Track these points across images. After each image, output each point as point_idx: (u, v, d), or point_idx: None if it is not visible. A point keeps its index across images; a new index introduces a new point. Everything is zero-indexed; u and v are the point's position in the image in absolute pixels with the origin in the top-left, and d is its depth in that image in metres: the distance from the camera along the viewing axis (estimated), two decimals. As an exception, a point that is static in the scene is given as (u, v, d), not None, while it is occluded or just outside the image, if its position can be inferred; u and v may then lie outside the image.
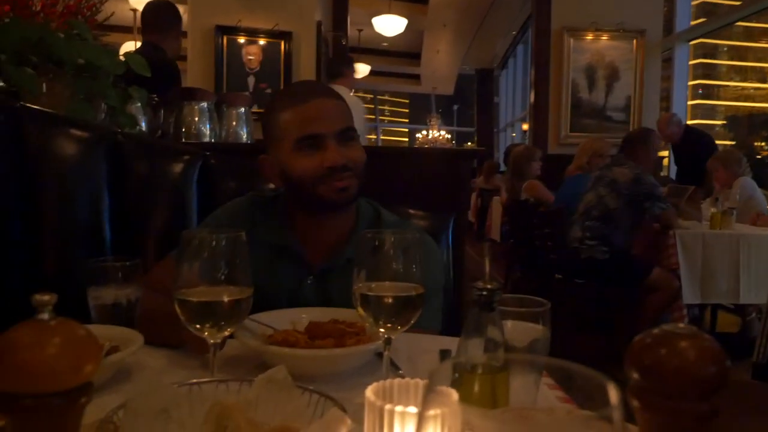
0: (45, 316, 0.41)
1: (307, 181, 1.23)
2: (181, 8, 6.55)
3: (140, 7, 6.75)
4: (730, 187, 4.32)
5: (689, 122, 7.39)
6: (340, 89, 4.86)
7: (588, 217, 3.55)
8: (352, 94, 4.49)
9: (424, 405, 0.36)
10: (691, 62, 7.57)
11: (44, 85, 1.82)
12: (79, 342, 0.42)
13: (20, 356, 0.39)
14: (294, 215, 1.32)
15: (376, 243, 0.82)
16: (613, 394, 0.30)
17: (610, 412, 0.30)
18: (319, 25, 4.72)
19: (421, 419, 0.36)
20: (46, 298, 0.42)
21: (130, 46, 7.20)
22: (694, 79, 7.92)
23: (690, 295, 3.45)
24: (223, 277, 0.78)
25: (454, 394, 0.39)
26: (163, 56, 2.92)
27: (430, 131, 12.44)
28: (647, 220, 3.54)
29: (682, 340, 0.46)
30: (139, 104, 1.90)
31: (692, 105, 7.84)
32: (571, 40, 6.09)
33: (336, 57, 5.21)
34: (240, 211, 1.34)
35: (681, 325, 0.47)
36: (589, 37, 6.10)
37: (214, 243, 0.79)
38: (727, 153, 4.87)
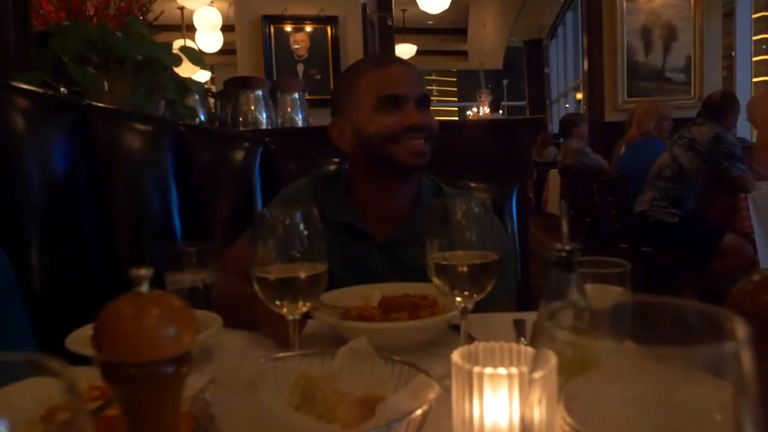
0: (143, 288, 0.42)
1: (383, 140, 1.25)
2: (226, 2, 6.63)
3: (186, 5, 6.90)
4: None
5: (755, 79, 7.05)
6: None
7: (659, 178, 3.44)
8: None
9: (533, 366, 0.35)
10: (754, 16, 7.20)
11: (106, 83, 1.87)
12: (177, 313, 0.42)
13: (123, 327, 0.40)
14: (358, 189, 1.34)
15: (448, 212, 0.81)
16: (740, 328, 0.29)
17: (734, 348, 0.28)
18: (364, 7, 4.71)
19: (524, 380, 0.36)
20: (143, 272, 0.43)
21: (180, 43, 7.35)
22: (757, 33, 7.54)
23: (767, 259, 3.31)
24: (298, 254, 0.78)
25: (553, 357, 0.39)
26: None
27: (481, 108, 12.27)
28: (723, 182, 3.40)
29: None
30: (197, 96, 1.94)
31: (756, 61, 7.47)
32: (624, 2, 5.88)
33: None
34: (303, 190, 1.37)
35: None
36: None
37: (287, 220, 0.79)
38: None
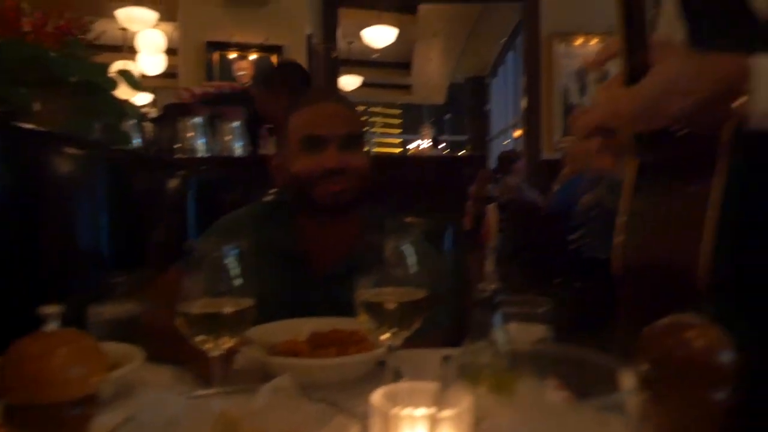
0: (51, 327, 0.41)
1: (305, 181, 1.26)
2: (171, 25, 6.57)
3: (129, 26, 6.80)
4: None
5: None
6: None
7: (588, 216, 3.56)
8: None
9: (438, 406, 0.36)
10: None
11: (39, 104, 1.82)
12: (85, 352, 0.41)
13: (27, 367, 0.39)
14: (299, 222, 1.34)
15: (377, 249, 0.82)
16: (627, 379, 0.30)
17: (623, 398, 0.30)
18: (309, 38, 4.75)
19: (434, 421, 0.36)
20: (52, 309, 0.42)
21: (120, 65, 7.21)
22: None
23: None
24: (225, 288, 0.78)
25: (466, 395, 0.40)
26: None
27: (423, 141, 12.47)
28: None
29: (691, 330, 0.46)
30: (135, 121, 1.91)
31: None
32: (561, 45, 6.12)
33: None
34: (243, 220, 1.36)
35: (689, 315, 0.47)
36: (579, 41, 6.13)
37: (215, 254, 0.79)
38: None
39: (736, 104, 0.78)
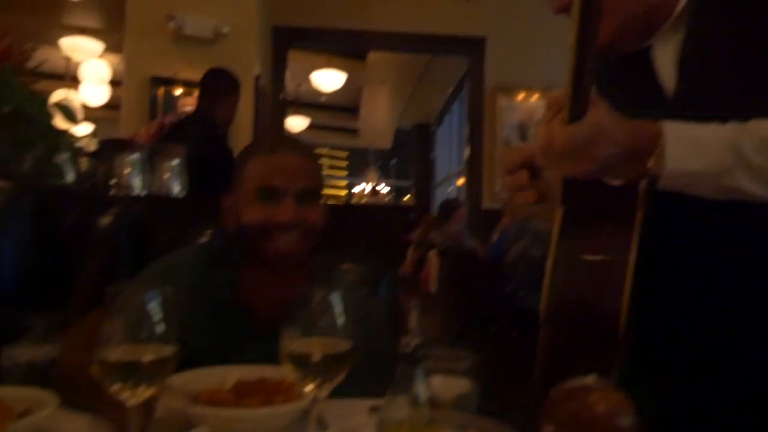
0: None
1: (255, 232, 1.22)
2: (116, 58, 6.48)
3: (74, 56, 6.68)
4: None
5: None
6: None
7: (518, 267, 3.64)
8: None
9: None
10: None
11: (-34, 134, 1.76)
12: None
13: None
14: (243, 270, 1.29)
15: (306, 299, 0.82)
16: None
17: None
18: (256, 79, 4.76)
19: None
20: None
21: (61, 94, 7.05)
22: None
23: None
24: (147, 335, 0.76)
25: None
26: (208, 129, 3.18)
27: (368, 185, 12.58)
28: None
29: (594, 394, 0.48)
30: (68, 154, 1.86)
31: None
32: (504, 99, 6.33)
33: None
34: (183, 263, 1.30)
35: (592, 378, 0.49)
36: (521, 96, 6.35)
37: (138, 299, 0.77)
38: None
39: (650, 162, 0.86)
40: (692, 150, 0.86)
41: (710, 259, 0.97)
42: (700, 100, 0.98)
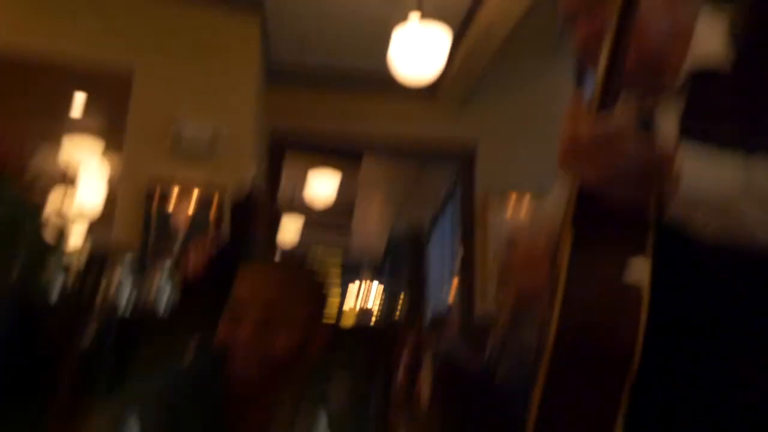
0: None
1: (223, 352, 1.19)
2: (114, 160, 6.59)
3: (72, 154, 6.78)
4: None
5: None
6: None
7: (508, 387, 3.54)
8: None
9: None
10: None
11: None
12: None
13: None
14: (221, 398, 1.22)
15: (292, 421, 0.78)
16: None
17: None
18: (253, 180, 4.82)
19: None
20: None
21: (58, 194, 7.10)
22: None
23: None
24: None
25: None
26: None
27: (362, 285, 12.49)
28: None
29: None
30: (56, 269, 1.84)
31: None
32: (496, 203, 6.40)
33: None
34: (161, 387, 1.23)
35: None
36: (513, 200, 6.43)
37: (114, 421, 0.72)
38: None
39: (663, 186, 0.87)
40: (706, 168, 0.86)
41: (712, 310, 0.95)
42: None
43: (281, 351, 1.17)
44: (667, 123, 1.05)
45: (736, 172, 0.87)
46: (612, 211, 0.91)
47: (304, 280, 1.30)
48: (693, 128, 1.01)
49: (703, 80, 1.03)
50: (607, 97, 0.85)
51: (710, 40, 1.04)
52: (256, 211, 3.49)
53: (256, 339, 1.15)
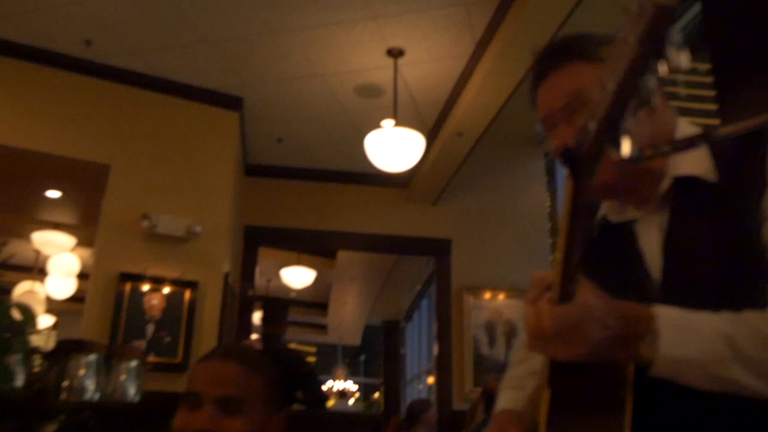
0: None
1: None
2: (86, 252, 6.52)
3: (44, 250, 6.72)
4: None
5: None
6: None
7: None
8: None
9: None
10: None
11: None
12: None
13: None
14: None
15: None
16: None
17: None
18: (226, 275, 4.79)
19: None
20: None
21: (26, 286, 6.98)
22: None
23: None
24: None
25: None
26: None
27: (336, 383, 12.21)
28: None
29: None
30: (20, 356, 1.79)
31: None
32: (471, 298, 6.40)
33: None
34: None
35: None
36: (488, 295, 6.45)
37: None
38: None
39: (642, 348, 0.84)
40: (687, 336, 0.83)
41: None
42: (686, 286, 0.98)
43: (238, 430, 1.16)
44: (650, 237, 1.05)
45: (720, 334, 0.84)
46: (587, 374, 0.90)
47: (254, 365, 1.28)
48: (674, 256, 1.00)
49: (686, 189, 1.02)
50: (566, 288, 0.83)
51: (692, 153, 1.01)
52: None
53: (213, 423, 1.15)
